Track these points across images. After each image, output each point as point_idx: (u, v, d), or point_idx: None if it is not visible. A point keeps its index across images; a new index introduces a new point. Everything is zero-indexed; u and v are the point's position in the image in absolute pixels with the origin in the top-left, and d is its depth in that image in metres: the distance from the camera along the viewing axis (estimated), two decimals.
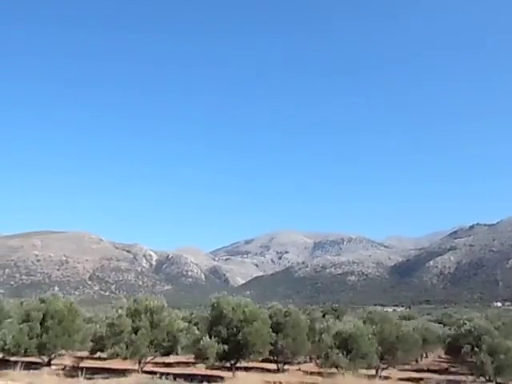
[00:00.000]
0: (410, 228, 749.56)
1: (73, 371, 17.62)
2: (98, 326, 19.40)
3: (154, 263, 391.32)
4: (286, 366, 22.19)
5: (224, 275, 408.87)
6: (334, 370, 17.32)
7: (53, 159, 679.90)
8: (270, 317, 20.33)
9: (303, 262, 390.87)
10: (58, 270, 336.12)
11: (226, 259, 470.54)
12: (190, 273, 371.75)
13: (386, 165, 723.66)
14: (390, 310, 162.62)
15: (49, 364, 20.29)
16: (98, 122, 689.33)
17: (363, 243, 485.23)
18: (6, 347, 17.83)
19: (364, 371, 18.26)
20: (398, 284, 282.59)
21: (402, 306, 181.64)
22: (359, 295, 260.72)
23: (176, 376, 16.09)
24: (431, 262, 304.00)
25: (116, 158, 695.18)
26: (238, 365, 18.95)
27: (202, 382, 16.30)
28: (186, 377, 16.41)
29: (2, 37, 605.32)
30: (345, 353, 17.02)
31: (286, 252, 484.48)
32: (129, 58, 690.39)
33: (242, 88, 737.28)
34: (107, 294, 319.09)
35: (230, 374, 18.38)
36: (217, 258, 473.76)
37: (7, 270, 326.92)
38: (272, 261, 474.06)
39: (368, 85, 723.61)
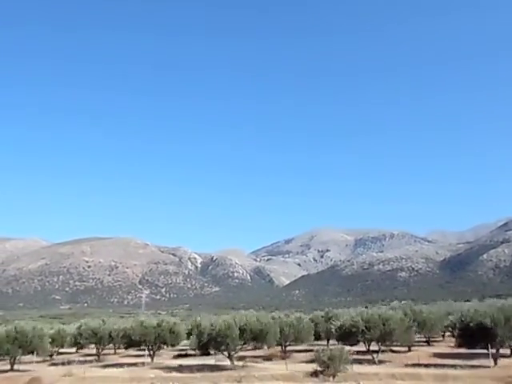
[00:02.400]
0: (452, 222, 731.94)
1: None
2: None
3: (198, 265, 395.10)
4: None
5: (268, 275, 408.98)
6: None
7: (93, 166, 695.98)
8: None
9: (348, 260, 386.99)
10: (109, 275, 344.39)
11: (268, 259, 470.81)
12: (236, 274, 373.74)
13: (423, 160, 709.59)
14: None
15: None
16: (140, 129, 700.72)
17: (406, 239, 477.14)
18: None
19: None
20: (453, 279, 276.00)
21: (468, 301, 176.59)
22: (414, 291, 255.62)
23: None
24: (485, 256, 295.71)
25: (154, 163, 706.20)
26: None
27: None
28: None
29: (3, 39, 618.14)
30: None
31: (328, 250, 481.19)
32: (153, 62, 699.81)
33: (271, 87, 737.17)
34: (158, 297, 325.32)
35: None
36: (258, 259, 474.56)
37: (61, 276, 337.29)
38: (314, 259, 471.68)
39: (414, 82, 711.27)
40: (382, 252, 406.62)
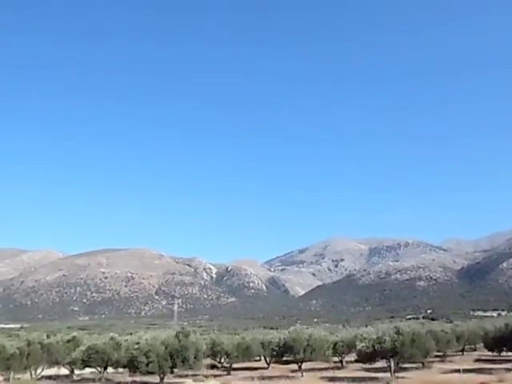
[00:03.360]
0: (466, 230, 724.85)
1: None
2: None
3: (214, 276, 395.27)
4: None
5: (283, 285, 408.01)
6: None
7: (102, 176, 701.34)
8: None
9: (364, 269, 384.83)
10: (126, 286, 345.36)
11: (282, 269, 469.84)
12: (251, 284, 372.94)
13: (435, 167, 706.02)
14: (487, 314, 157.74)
15: None
16: (154, 139, 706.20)
17: (421, 247, 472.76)
18: None
19: None
20: (473, 288, 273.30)
21: (495, 310, 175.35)
22: (434, 301, 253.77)
23: None
24: (504, 264, 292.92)
25: (165, 174, 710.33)
26: None
27: None
28: None
29: (4, 48, 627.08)
30: None
31: (342, 259, 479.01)
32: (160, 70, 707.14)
33: (280, 95, 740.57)
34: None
35: None
36: (272, 269, 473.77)
37: (78, 287, 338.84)
38: (328, 269, 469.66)
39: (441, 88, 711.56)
40: (397, 261, 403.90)
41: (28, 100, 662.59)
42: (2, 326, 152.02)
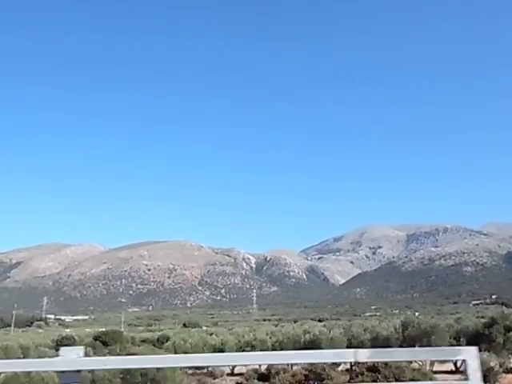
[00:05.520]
0: (505, 214, 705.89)
1: None
2: None
3: (253, 266, 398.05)
4: None
5: (322, 274, 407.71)
6: None
7: (138, 169, 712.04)
8: None
9: (406, 256, 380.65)
10: (169, 277, 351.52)
11: (319, 258, 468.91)
12: (291, 273, 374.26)
13: (470, 157, 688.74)
14: None
15: None
16: (193, 132, 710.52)
17: (460, 232, 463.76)
18: None
19: None
20: None
21: None
22: (485, 286, 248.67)
23: None
24: None
25: (196, 166, 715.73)
26: None
27: None
28: None
29: (4, 41, 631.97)
30: None
31: (380, 247, 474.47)
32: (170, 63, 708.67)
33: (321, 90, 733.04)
34: (219, 298, 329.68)
35: None
36: (309, 258, 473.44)
37: (123, 280, 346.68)
38: (366, 256, 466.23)
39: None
40: (436, 247, 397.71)
41: (74, 95, 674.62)
42: (69, 318, 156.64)
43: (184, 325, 58.65)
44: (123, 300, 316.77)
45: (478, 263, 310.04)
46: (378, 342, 21.67)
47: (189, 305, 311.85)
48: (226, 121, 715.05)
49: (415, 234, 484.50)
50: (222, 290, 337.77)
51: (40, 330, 62.41)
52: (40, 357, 20.19)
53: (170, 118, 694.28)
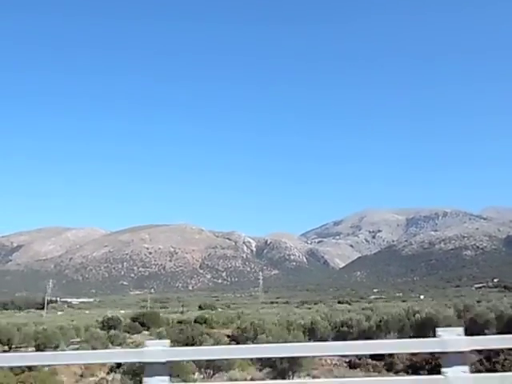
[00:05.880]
0: (506, 198, 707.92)
1: None
2: None
3: (253, 249, 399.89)
4: None
5: (322, 257, 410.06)
6: None
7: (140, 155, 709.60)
8: None
9: (406, 240, 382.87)
10: (170, 261, 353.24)
11: (319, 241, 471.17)
12: (292, 257, 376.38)
13: (467, 142, 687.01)
14: None
15: None
16: (190, 116, 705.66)
17: (460, 216, 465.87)
18: None
19: None
20: None
21: None
22: (486, 270, 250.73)
23: None
24: None
25: (196, 150, 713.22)
26: None
27: None
28: None
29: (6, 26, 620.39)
30: None
31: (379, 231, 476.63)
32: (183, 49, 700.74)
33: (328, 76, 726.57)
34: (220, 281, 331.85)
35: None
36: (309, 241, 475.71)
37: (125, 263, 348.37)
38: (366, 240, 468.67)
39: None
40: (436, 231, 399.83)
41: (82, 80, 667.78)
42: (74, 300, 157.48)
43: (200, 307, 58.97)
44: (125, 283, 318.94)
45: (478, 247, 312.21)
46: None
47: (190, 288, 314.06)
48: (227, 104, 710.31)
49: (415, 218, 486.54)
50: (223, 274, 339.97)
51: (60, 313, 62.82)
52: (94, 337, 20.30)
53: (170, 102, 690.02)
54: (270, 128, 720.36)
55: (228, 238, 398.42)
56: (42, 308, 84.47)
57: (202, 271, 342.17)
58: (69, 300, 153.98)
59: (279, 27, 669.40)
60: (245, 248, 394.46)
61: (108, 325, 24.48)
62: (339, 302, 64.19)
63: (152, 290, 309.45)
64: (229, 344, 17.25)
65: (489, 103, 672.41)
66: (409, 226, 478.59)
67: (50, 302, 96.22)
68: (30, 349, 19.32)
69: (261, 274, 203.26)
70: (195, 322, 29.98)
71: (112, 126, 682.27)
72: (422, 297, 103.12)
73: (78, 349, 17.88)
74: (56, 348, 18.33)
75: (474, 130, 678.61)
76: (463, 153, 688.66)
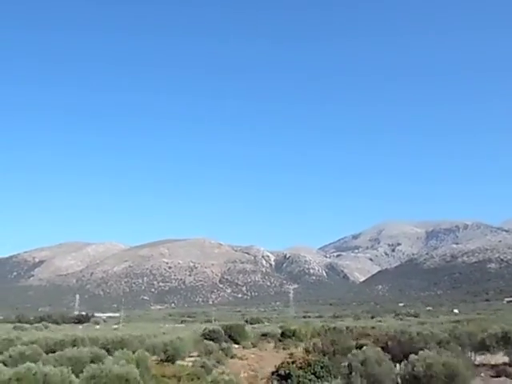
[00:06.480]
0: None
1: None
2: None
3: (272, 263, 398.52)
4: None
5: (342, 271, 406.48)
6: None
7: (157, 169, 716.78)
8: None
9: (427, 253, 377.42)
10: (190, 275, 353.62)
11: (338, 255, 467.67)
12: (311, 271, 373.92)
13: (488, 156, 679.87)
14: None
15: None
16: (208, 131, 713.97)
17: (481, 229, 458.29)
18: None
19: None
20: None
21: None
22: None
23: None
24: None
25: (214, 165, 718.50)
26: None
27: None
28: None
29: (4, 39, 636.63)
30: None
31: (399, 244, 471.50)
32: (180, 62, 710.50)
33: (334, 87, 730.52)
34: (240, 296, 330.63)
35: None
36: (328, 255, 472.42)
37: (145, 277, 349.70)
38: (385, 254, 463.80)
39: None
40: (457, 244, 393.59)
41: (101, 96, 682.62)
42: (101, 315, 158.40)
43: (246, 321, 59.27)
44: (146, 297, 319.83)
45: (502, 260, 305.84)
46: None
47: (210, 302, 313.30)
48: (245, 120, 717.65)
49: (434, 231, 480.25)
50: (243, 288, 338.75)
51: (97, 326, 63.75)
52: (208, 350, 20.42)
53: (187, 117, 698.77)
54: (288, 142, 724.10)
55: (247, 253, 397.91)
56: (78, 322, 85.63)
57: (221, 286, 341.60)
58: (96, 314, 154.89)
59: (279, 44, 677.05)
60: (264, 262, 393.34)
61: (210, 337, 24.96)
62: (372, 317, 63.49)
63: (172, 305, 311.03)
64: None
65: (509, 117, 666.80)
66: (429, 239, 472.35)
67: (83, 316, 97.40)
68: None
69: (291, 287, 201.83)
70: (282, 335, 30.22)
71: (132, 141, 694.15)
72: (456, 311, 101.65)
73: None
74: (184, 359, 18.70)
75: (492, 143, 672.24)
76: (481, 166, 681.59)
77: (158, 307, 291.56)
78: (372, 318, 58.80)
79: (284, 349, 25.26)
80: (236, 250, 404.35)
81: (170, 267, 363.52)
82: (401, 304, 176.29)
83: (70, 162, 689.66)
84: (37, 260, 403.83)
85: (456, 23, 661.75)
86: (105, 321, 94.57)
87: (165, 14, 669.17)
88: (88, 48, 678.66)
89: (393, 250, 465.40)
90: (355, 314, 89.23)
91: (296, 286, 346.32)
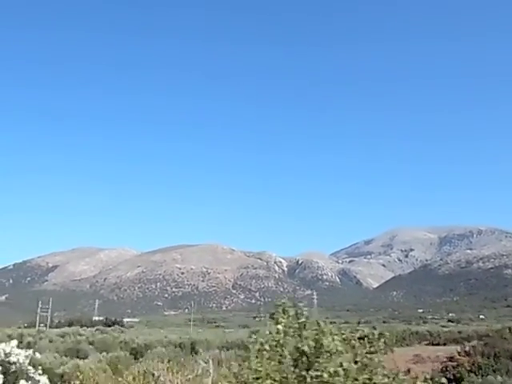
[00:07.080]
0: None
1: None
2: None
3: (285, 269, 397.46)
4: None
5: (355, 277, 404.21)
6: None
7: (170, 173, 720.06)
8: None
9: (441, 259, 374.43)
10: (203, 281, 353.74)
11: (350, 261, 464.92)
12: (324, 276, 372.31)
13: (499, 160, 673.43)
14: None
15: None
16: (221, 136, 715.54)
17: (495, 234, 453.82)
18: None
19: None
20: None
21: None
22: None
23: None
24: None
25: (226, 170, 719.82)
26: None
27: None
28: None
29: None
30: None
31: (412, 249, 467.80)
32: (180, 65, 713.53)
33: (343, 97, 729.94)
34: (253, 301, 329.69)
35: None
36: (340, 261, 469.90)
37: (158, 283, 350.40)
38: (398, 259, 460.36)
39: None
40: (471, 249, 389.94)
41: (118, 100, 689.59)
42: (127, 319, 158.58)
43: None
44: (159, 303, 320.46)
45: None
46: None
47: (224, 308, 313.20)
48: (255, 125, 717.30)
49: (448, 237, 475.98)
50: (256, 294, 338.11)
51: (134, 330, 63.79)
52: None
53: (202, 122, 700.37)
54: (298, 147, 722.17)
55: (259, 258, 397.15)
56: (108, 326, 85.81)
57: (234, 291, 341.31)
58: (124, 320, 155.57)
59: (274, 47, 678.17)
60: (276, 268, 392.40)
61: None
62: (419, 323, 62.69)
63: (186, 310, 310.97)
64: None
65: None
66: (442, 245, 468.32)
67: (111, 321, 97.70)
68: None
69: (315, 293, 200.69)
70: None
71: (143, 146, 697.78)
72: (482, 316, 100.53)
73: None
74: None
75: (506, 148, 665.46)
76: (494, 171, 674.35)
77: (172, 313, 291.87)
78: (418, 324, 57.87)
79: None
80: (248, 256, 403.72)
81: (182, 273, 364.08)
82: (420, 310, 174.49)
83: (84, 167, 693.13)
84: (50, 265, 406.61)
85: (457, 29, 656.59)
86: (132, 326, 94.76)
87: (165, 16, 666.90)
88: (88, 49, 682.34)
89: (406, 256, 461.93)
90: (405, 320, 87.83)
91: (309, 291, 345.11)
